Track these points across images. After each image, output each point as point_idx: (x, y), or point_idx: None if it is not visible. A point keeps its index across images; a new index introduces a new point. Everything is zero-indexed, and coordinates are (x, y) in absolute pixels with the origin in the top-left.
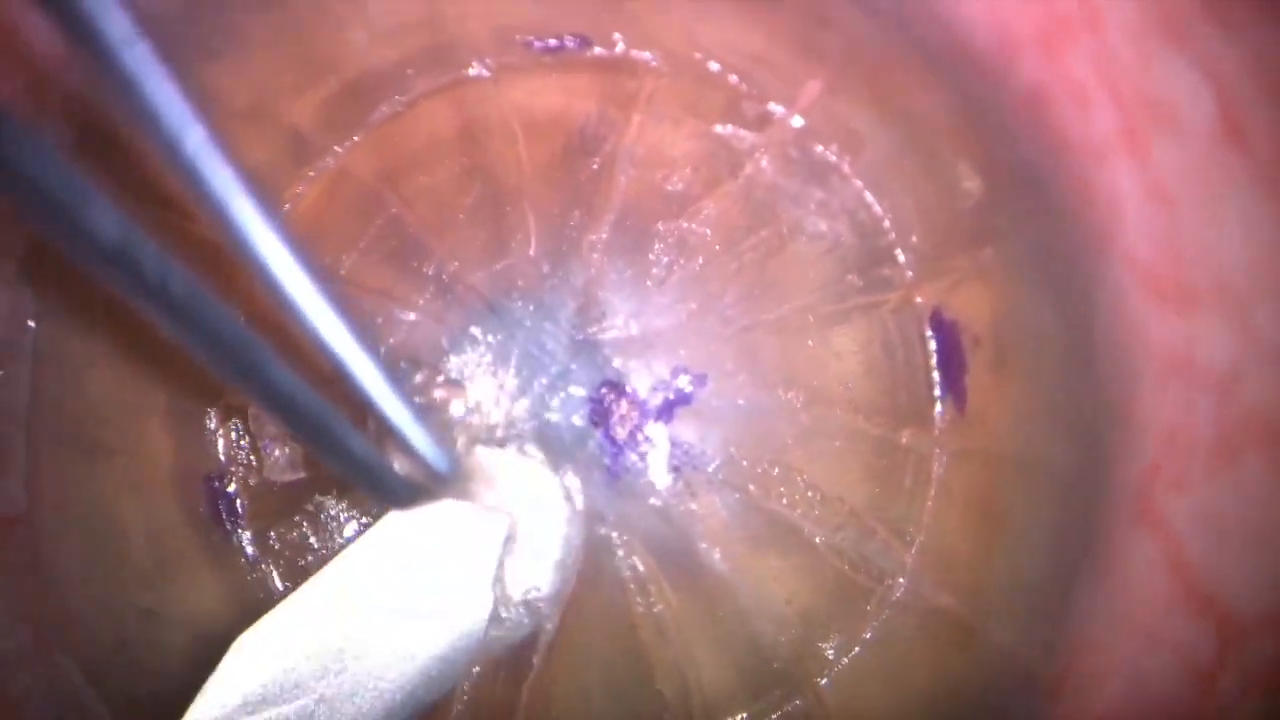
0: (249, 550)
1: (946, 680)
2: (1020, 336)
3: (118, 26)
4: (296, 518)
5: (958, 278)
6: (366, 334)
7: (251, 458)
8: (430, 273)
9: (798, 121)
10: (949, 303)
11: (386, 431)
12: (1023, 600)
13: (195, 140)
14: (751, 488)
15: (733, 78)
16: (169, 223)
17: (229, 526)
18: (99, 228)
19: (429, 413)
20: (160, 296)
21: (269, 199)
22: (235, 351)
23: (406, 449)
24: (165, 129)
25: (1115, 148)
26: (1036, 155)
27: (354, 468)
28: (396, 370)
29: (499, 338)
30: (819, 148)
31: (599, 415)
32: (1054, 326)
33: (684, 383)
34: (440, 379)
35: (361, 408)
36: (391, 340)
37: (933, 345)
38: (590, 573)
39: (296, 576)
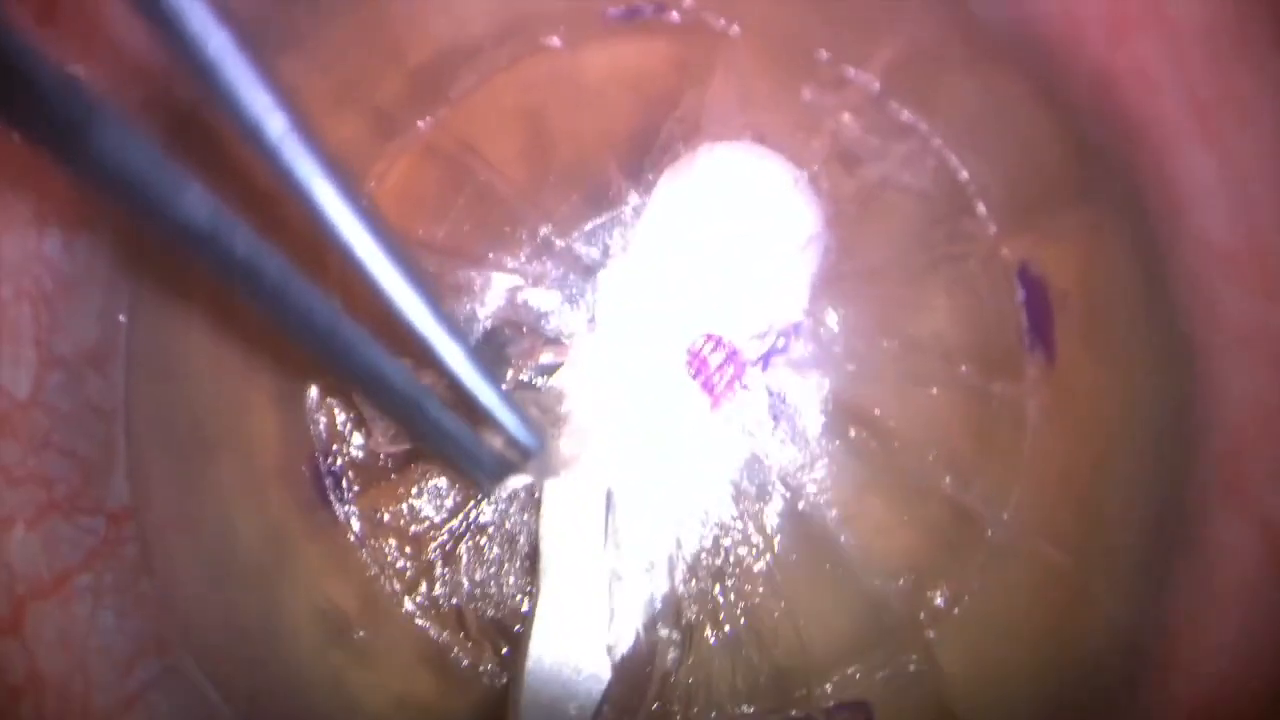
0: (357, 527)
1: (1056, 637)
2: (1107, 297)
3: (198, 18)
4: (402, 489)
5: (1042, 235)
6: (453, 315)
7: (354, 433)
8: (524, 236)
9: (874, 84)
10: (1036, 257)
11: (475, 409)
12: (1124, 562)
13: (278, 126)
14: (851, 435)
15: (811, 43)
16: (260, 208)
17: (335, 504)
18: (192, 213)
19: (533, 374)
20: (253, 279)
21: (353, 183)
22: (327, 332)
23: (495, 426)
24: (248, 116)
25: (1187, 133)
26: (1105, 134)
27: (445, 445)
28: (501, 336)
29: (596, 295)
30: (898, 108)
31: (696, 365)
32: (1140, 291)
33: (780, 331)
34: (542, 341)
35: (450, 385)
36: (493, 306)
37: (1021, 297)
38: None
39: (406, 548)
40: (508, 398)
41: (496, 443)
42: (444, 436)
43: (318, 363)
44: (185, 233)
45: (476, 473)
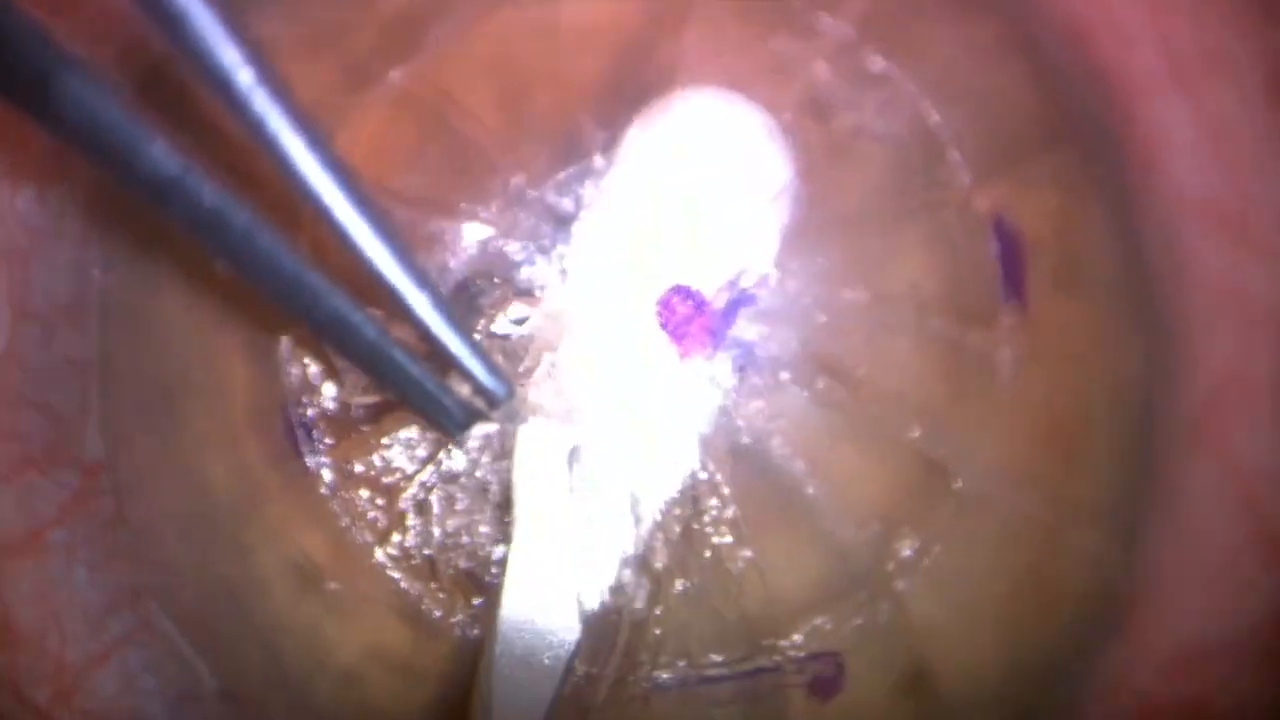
0: (328, 477)
1: (1025, 586)
2: (1081, 246)
3: None
4: (373, 440)
5: (1017, 185)
6: (422, 264)
7: (326, 384)
8: (498, 187)
9: (851, 30)
10: (1010, 207)
11: (444, 358)
12: (1096, 512)
13: (247, 79)
14: (820, 385)
15: None
16: (229, 161)
17: (307, 455)
18: (159, 164)
19: (504, 325)
20: (221, 230)
21: (322, 134)
22: (295, 283)
23: (464, 374)
24: (216, 68)
25: (1161, 85)
26: (1079, 85)
27: (413, 393)
28: (473, 286)
29: (567, 246)
30: (873, 55)
31: (665, 316)
32: (1113, 243)
33: (748, 281)
34: (514, 292)
35: (419, 335)
36: (464, 256)
37: (995, 247)
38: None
39: (377, 499)
40: (475, 346)
41: (465, 390)
42: (412, 385)
43: (286, 314)
44: (153, 184)
45: (445, 421)
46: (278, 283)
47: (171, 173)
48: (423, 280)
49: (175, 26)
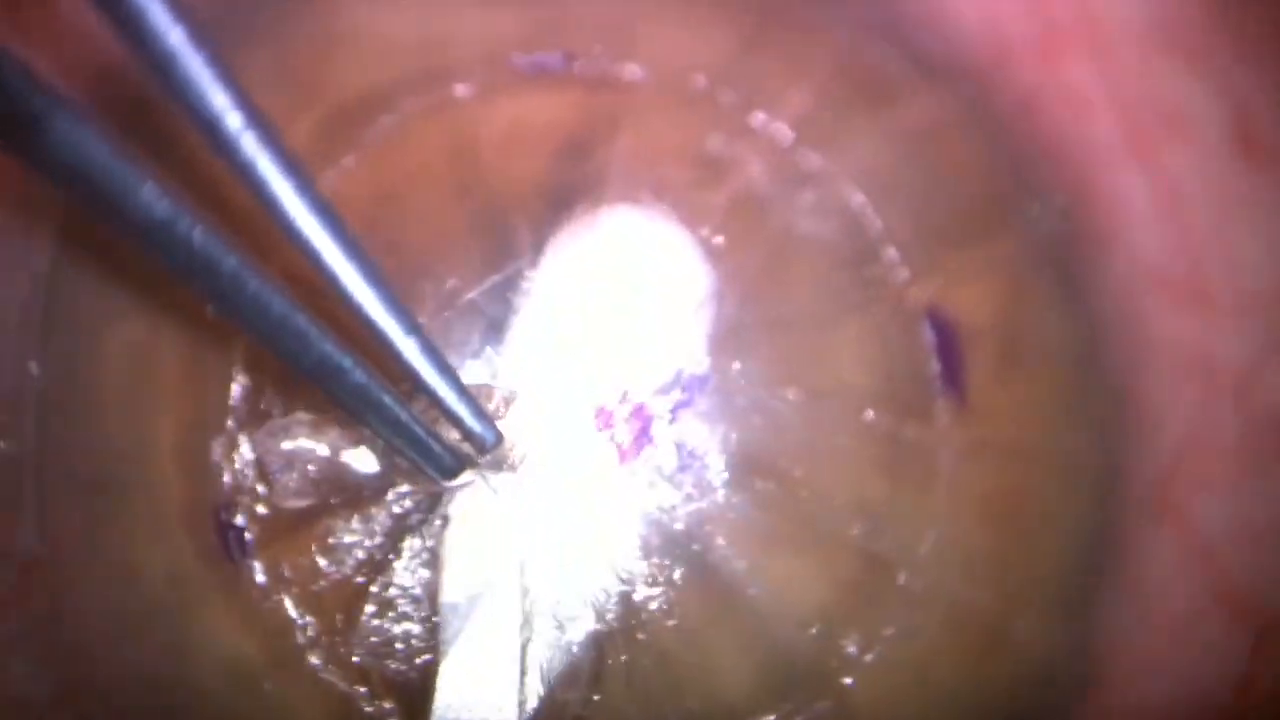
0: (260, 580)
1: (974, 678)
2: (1024, 331)
3: (156, 13)
4: (306, 544)
5: (954, 274)
6: (410, 310)
7: (258, 486)
8: (429, 291)
9: (785, 130)
10: (946, 298)
11: (432, 403)
12: (1047, 596)
13: (235, 123)
14: (758, 486)
15: (721, 90)
16: (216, 203)
17: (239, 558)
18: (148, 207)
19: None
20: (209, 273)
21: (310, 179)
22: (282, 326)
23: (452, 420)
24: (204, 111)
25: (1118, 151)
26: (1034, 156)
27: (402, 439)
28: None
29: (500, 350)
30: (807, 153)
31: (603, 420)
32: (1060, 322)
33: (684, 384)
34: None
35: (408, 380)
36: None
37: (931, 340)
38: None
39: (309, 604)
40: (464, 391)
41: (453, 436)
42: (400, 430)
43: (273, 355)
44: (141, 227)
45: (433, 467)
46: (266, 326)
47: (160, 215)
48: (411, 325)
49: (165, 67)
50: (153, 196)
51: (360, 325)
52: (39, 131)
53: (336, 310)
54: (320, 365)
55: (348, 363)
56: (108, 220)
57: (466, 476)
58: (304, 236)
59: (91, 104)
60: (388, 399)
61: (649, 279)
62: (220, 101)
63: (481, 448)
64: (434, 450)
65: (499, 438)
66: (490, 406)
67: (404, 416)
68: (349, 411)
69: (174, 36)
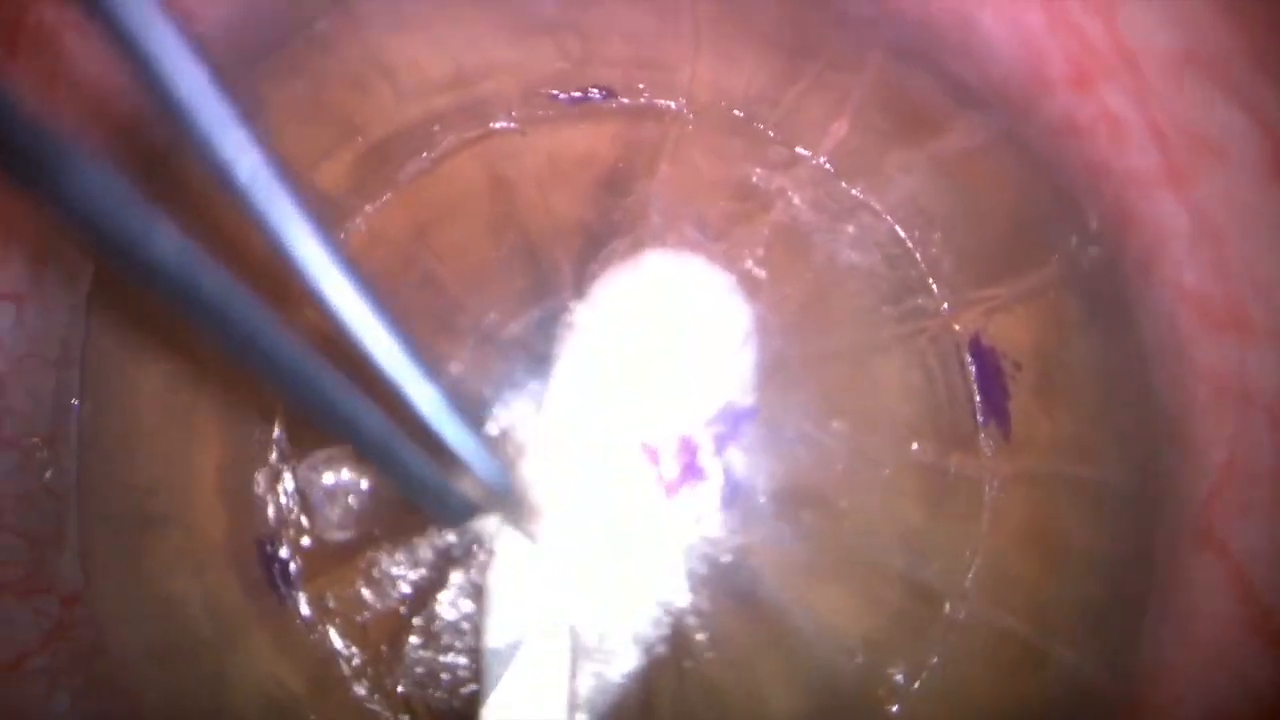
0: (305, 612)
1: (1018, 704)
2: (1064, 361)
3: (172, 53)
4: (350, 576)
5: (994, 305)
6: (425, 357)
7: (302, 518)
8: (469, 325)
9: (825, 163)
10: (987, 329)
11: (447, 451)
12: (1089, 623)
13: (249, 165)
14: (804, 517)
15: (758, 124)
16: (230, 248)
17: (283, 590)
18: (161, 250)
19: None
20: (223, 319)
21: (324, 223)
22: (297, 372)
23: (466, 468)
24: (219, 153)
25: (1157, 178)
26: (1072, 184)
27: (415, 486)
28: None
29: (542, 385)
30: (847, 186)
31: (651, 454)
32: (1100, 351)
33: (730, 417)
34: (487, 430)
35: (421, 428)
36: None
37: (973, 371)
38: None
39: (354, 634)
40: (479, 441)
41: (467, 484)
42: (413, 477)
43: (285, 402)
44: (155, 273)
45: (446, 513)
46: (280, 371)
47: (175, 260)
48: (427, 374)
49: (179, 110)
50: (166, 242)
51: (374, 372)
52: (55, 177)
53: (352, 356)
54: (333, 411)
55: (361, 409)
56: (122, 265)
57: (486, 522)
58: (318, 283)
59: (109, 152)
60: (401, 446)
61: (691, 316)
62: (236, 147)
63: (494, 497)
64: (446, 499)
65: (511, 487)
66: (503, 455)
67: (417, 464)
68: (362, 455)
69: (193, 81)
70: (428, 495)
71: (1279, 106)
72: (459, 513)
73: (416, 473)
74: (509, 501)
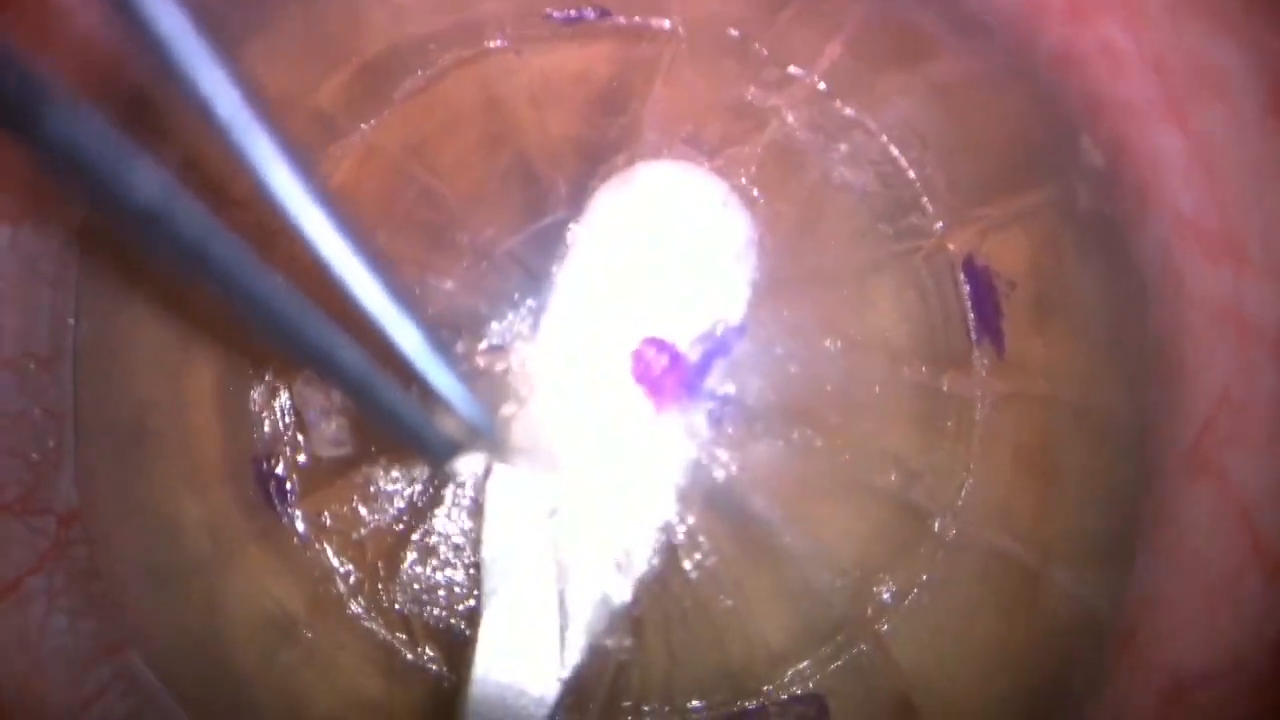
0: (301, 529)
1: (1010, 624)
2: (1059, 283)
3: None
4: (346, 493)
5: (988, 225)
6: (407, 296)
7: (298, 435)
8: (465, 241)
9: (819, 82)
10: (981, 249)
11: (428, 390)
12: (1082, 548)
13: (230, 103)
14: (794, 435)
15: (754, 43)
16: (211, 188)
17: (279, 507)
18: (142, 192)
19: (475, 378)
20: (204, 258)
21: (305, 162)
22: (278, 311)
23: (448, 407)
24: (199, 93)
25: (1154, 109)
26: (1069, 111)
27: (397, 424)
28: (438, 337)
29: (537, 300)
30: (841, 105)
31: (640, 369)
32: (1095, 275)
33: (721, 334)
34: (482, 345)
35: (404, 367)
36: (431, 310)
37: (966, 290)
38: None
39: (350, 552)
40: (459, 379)
41: (448, 423)
42: (396, 416)
43: (266, 340)
44: (135, 212)
45: (429, 452)
46: (262, 311)
47: (155, 199)
48: (408, 311)
49: (160, 49)
50: (145, 180)
51: (357, 311)
52: (35, 118)
53: (333, 295)
54: (315, 350)
55: (343, 348)
56: (104, 205)
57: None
58: (300, 221)
59: (89, 94)
60: (383, 385)
61: (687, 230)
62: (216, 85)
63: (476, 435)
64: (428, 437)
65: (492, 425)
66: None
67: (399, 403)
68: (345, 393)
69: (173, 21)
70: (410, 433)
71: (1274, 44)
72: (442, 450)
73: (398, 410)
74: (491, 440)
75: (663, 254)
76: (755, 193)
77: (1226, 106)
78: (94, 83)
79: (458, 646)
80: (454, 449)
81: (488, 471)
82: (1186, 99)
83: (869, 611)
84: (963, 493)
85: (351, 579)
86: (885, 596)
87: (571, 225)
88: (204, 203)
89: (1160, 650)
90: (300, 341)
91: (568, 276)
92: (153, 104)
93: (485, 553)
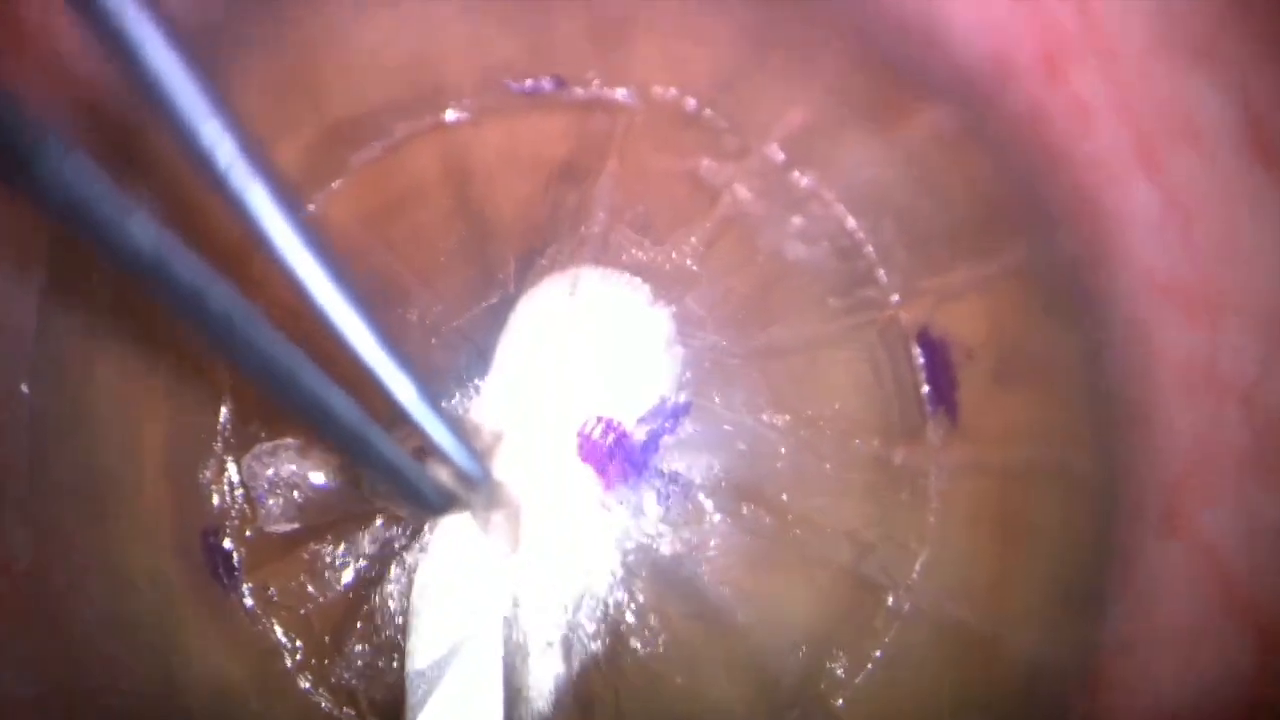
0: (248, 604)
1: (969, 692)
2: (1021, 348)
3: (146, 39)
4: (293, 567)
5: (945, 294)
6: (400, 346)
7: (246, 509)
8: (415, 318)
9: (778, 152)
10: (936, 319)
11: (424, 440)
12: (1047, 610)
13: (227, 152)
14: (744, 511)
15: (708, 112)
16: (205, 236)
17: (226, 581)
18: (136, 240)
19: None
20: (198, 306)
21: (301, 211)
22: (271, 361)
23: (442, 457)
24: (196, 141)
25: (1126, 161)
26: (1038, 172)
27: (391, 476)
28: (432, 389)
29: (485, 379)
30: (798, 175)
31: (586, 448)
32: (1059, 337)
33: (667, 412)
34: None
35: (397, 416)
36: None
37: (921, 363)
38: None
39: (297, 627)
40: (455, 431)
41: (443, 475)
42: (390, 468)
43: (260, 390)
44: (129, 260)
45: (420, 505)
46: (255, 361)
47: (149, 248)
48: (403, 363)
49: (156, 95)
50: (140, 228)
51: (350, 360)
52: (29, 164)
53: (326, 344)
54: (308, 401)
55: (337, 399)
56: (97, 252)
57: (456, 513)
58: (295, 272)
59: (81, 137)
60: (377, 438)
61: (629, 315)
62: (212, 132)
63: (471, 487)
64: (422, 489)
65: (488, 476)
66: (480, 444)
67: (393, 455)
68: (338, 448)
69: (167, 62)
70: (406, 485)
71: (1254, 81)
72: (437, 502)
73: (394, 462)
74: (486, 489)
75: (604, 338)
76: (703, 271)
77: (1202, 152)
78: (87, 122)
79: None
80: (449, 500)
81: (430, 551)
82: (1160, 147)
83: (823, 686)
84: (918, 565)
85: (299, 654)
86: (839, 671)
87: (517, 305)
88: (197, 251)
89: (1127, 700)
90: (293, 390)
91: (513, 356)
92: (144, 149)
93: (425, 633)
